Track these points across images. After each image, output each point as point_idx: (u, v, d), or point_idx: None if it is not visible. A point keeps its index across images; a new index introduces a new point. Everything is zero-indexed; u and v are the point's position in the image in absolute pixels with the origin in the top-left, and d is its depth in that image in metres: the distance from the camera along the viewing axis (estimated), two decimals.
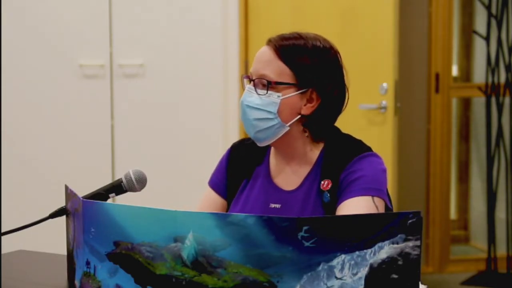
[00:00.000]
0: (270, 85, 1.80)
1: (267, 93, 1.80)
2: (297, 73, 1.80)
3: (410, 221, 1.28)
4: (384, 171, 1.83)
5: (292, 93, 1.81)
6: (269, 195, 1.89)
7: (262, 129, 1.82)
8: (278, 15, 3.90)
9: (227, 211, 1.96)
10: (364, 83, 3.73)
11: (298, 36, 1.84)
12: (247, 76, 1.88)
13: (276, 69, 1.80)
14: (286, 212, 1.84)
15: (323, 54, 1.83)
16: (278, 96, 1.80)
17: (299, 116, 1.83)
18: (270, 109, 1.80)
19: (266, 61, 1.81)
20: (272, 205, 1.87)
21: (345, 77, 1.88)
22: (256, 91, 1.82)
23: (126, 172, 1.77)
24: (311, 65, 1.81)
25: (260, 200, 1.89)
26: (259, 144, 1.88)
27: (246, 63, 3.93)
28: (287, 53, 1.81)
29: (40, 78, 3.84)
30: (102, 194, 1.71)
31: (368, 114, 3.77)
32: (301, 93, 1.81)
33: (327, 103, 1.84)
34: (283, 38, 1.83)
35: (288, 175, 1.89)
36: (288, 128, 1.83)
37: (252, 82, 1.84)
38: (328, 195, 1.81)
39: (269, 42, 1.84)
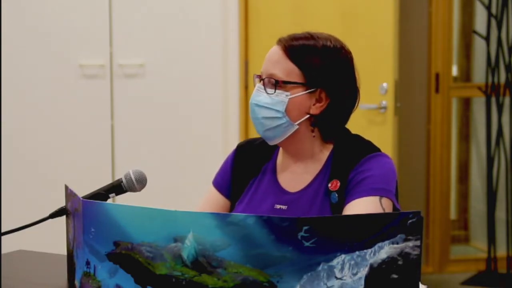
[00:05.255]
0: (278, 84, 1.80)
1: (275, 92, 1.80)
2: (306, 73, 1.80)
3: (410, 221, 1.28)
4: (394, 171, 1.83)
5: (300, 92, 1.81)
6: (274, 196, 1.88)
7: (271, 128, 1.83)
8: (278, 15, 3.90)
9: (230, 212, 1.95)
10: (364, 83, 3.70)
11: (309, 36, 1.84)
12: (258, 75, 1.88)
13: (285, 69, 1.81)
14: (292, 213, 1.84)
15: (334, 54, 1.83)
16: (287, 95, 1.80)
17: (307, 116, 1.83)
18: (278, 108, 1.81)
19: (275, 61, 1.82)
20: (278, 206, 1.87)
21: (357, 78, 1.88)
22: (265, 90, 1.82)
23: (126, 172, 1.77)
24: (320, 65, 1.81)
25: (265, 201, 1.88)
26: (269, 143, 1.88)
27: (246, 63, 3.93)
28: (296, 53, 1.81)
29: (40, 78, 3.84)
30: (102, 194, 1.71)
31: (368, 114, 3.77)
32: (309, 92, 1.81)
33: (337, 103, 1.84)
34: (293, 38, 1.84)
35: (296, 176, 1.88)
36: (296, 127, 1.83)
37: (262, 81, 1.84)
38: (336, 195, 1.80)
39: (279, 41, 1.84)
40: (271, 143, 1.87)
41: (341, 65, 1.84)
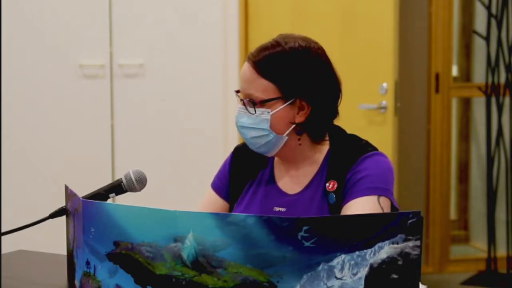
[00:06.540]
0: (256, 105, 1.80)
1: (255, 112, 1.81)
2: (280, 86, 1.79)
3: (410, 221, 1.28)
4: (391, 170, 1.82)
5: (280, 106, 1.80)
6: (273, 199, 1.89)
7: (262, 145, 1.84)
8: (278, 15, 3.90)
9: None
10: (364, 83, 3.73)
11: (276, 44, 1.82)
12: (237, 91, 1.87)
13: (260, 87, 1.80)
14: (291, 215, 1.83)
15: (303, 55, 1.80)
16: (268, 113, 1.80)
17: (294, 125, 1.83)
18: (263, 126, 1.81)
19: (249, 80, 1.82)
20: (277, 209, 1.87)
21: (334, 69, 1.85)
22: (247, 110, 1.82)
23: (126, 172, 1.77)
24: (292, 72, 1.79)
25: (264, 204, 1.89)
26: (267, 155, 1.89)
27: None
28: (266, 67, 1.80)
29: (40, 78, 3.84)
30: (102, 194, 1.71)
31: (368, 114, 3.77)
32: (289, 104, 1.81)
33: (319, 106, 1.82)
34: (260, 50, 1.83)
35: (293, 179, 1.89)
36: (286, 138, 1.83)
37: (242, 102, 1.84)
38: (334, 196, 1.80)
39: (248, 58, 1.84)
40: (269, 155, 1.88)
41: (313, 64, 1.81)
